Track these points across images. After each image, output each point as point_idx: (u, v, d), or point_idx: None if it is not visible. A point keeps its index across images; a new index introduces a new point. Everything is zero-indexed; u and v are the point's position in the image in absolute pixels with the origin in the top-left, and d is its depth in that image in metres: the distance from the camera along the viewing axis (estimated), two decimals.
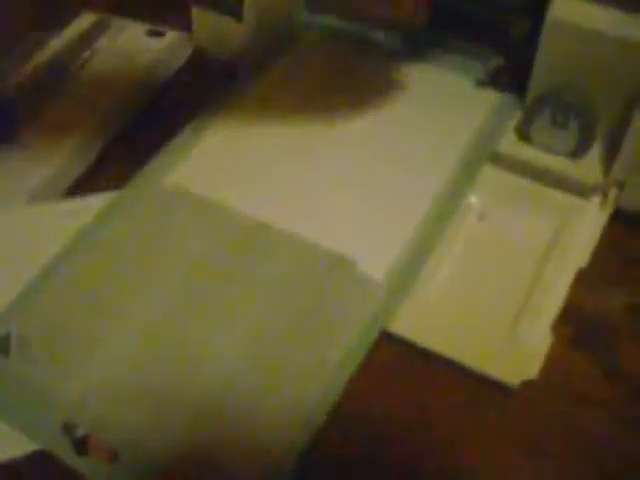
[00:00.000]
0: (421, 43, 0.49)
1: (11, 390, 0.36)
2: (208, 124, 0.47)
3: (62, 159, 0.46)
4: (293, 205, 0.42)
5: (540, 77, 0.42)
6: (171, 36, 0.53)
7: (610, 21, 0.39)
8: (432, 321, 0.38)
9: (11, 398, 0.35)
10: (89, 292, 0.39)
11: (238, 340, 0.37)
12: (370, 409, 0.36)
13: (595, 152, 0.42)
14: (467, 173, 0.43)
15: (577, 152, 0.42)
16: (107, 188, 0.45)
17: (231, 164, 0.45)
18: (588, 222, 0.41)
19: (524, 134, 0.43)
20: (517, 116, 0.44)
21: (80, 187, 0.46)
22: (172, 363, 0.36)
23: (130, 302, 0.38)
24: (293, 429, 0.34)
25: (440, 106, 0.46)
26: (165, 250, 0.41)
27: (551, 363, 0.37)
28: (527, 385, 0.36)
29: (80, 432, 0.34)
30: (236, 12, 0.47)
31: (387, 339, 0.38)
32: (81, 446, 0.34)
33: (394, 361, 0.38)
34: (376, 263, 0.39)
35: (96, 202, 0.43)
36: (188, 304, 0.38)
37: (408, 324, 0.38)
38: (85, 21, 0.55)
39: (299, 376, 0.36)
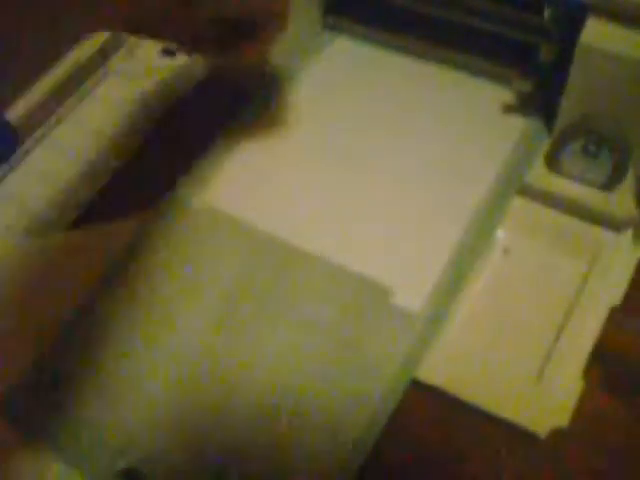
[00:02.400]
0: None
1: (67, 430, 0.36)
2: (234, 143, 0.45)
3: (70, 183, 0.45)
4: (328, 228, 0.41)
5: (571, 104, 0.40)
6: (184, 55, 0.52)
7: None
8: (458, 367, 0.36)
9: (66, 438, 0.35)
10: (128, 325, 0.38)
11: (271, 371, 0.36)
12: (396, 455, 0.35)
13: (628, 184, 0.40)
14: (496, 206, 0.41)
15: (609, 184, 0.40)
16: (121, 212, 0.43)
17: (260, 184, 0.44)
18: (621, 258, 0.39)
19: (553, 164, 0.41)
20: (546, 145, 0.42)
21: (92, 212, 0.45)
22: (211, 393, 0.36)
23: (169, 331, 0.38)
24: (333, 469, 0.33)
25: (468, 132, 0.44)
26: (200, 276, 0.40)
27: (581, 408, 0.35)
28: (556, 433, 0.35)
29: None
30: None
31: (414, 385, 0.36)
32: None
33: (421, 408, 0.36)
34: (412, 295, 0.38)
35: (125, 226, 0.42)
36: (225, 331, 0.38)
37: (435, 371, 0.36)
38: (99, 39, 0.53)
39: (337, 410, 0.35)
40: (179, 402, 0.36)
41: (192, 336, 0.38)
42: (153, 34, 0.53)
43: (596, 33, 0.37)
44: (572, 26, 0.39)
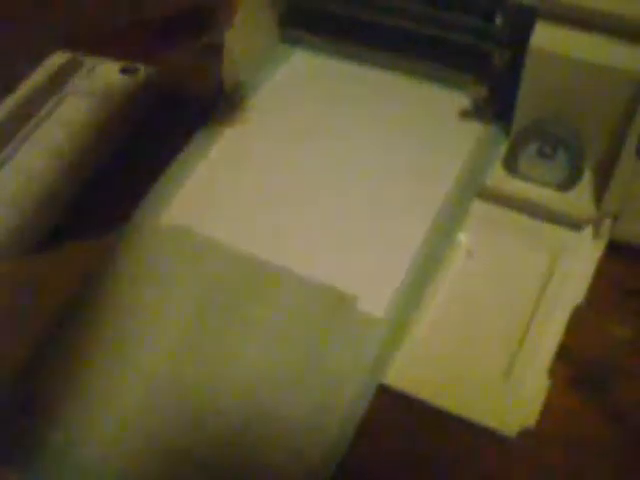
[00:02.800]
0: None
1: (36, 455, 0.35)
2: (197, 157, 0.45)
3: (34, 206, 0.44)
4: (290, 240, 0.41)
5: (525, 108, 0.40)
6: (145, 72, 0.52)
7: (594, 49, 0.37)
8: (424, 370, 0.37)
9: (37, 463, 0.35)
10: (95, 345, 0.38)
11: (240, 386, 0.36)
12: (367, 464, 0.35)
13: (585, 183, 0.41)
14: (456, 209, 0.41)
15: (566, 184, 0.40)
16: (84, 234, 0.43)
17: (224, 196, 0.44)
18: (582, 256, 0.40)
19: (511, 167, 0.41)
20: (503, 148, 0.42)
21: (55, 235, 0.45)
22: (179, 412, 0.36)
23: (137, 349, 0.38)
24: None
25: (425, 138, 0.44)
26: (165, 294, 0.40)
27: (549, 408, 0.36)
28: (525, 433, 0.35)
29: None
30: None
31: (382, 390, 0.36)
32: None
33: (388, 412, 0.36)
34: (375, 300, 0.38)
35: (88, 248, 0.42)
36: (192, 347, 0.38)
37: (401, 375, 0.36)
38: (56, 60, 0.53)
39: (304, 424, 0.35)
40: (150, 419, 0.36)
41: (160, 353, 0.37)
42: (105, 53, 0.53)
43: (545, 37, 0.38)
44: (523, 31, 0.39)
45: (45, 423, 0.36)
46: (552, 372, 0.36)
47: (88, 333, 0.39)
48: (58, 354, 0.38)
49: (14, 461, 0.35)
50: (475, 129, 0.44)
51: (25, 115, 0.49)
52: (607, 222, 0.40)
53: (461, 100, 0.45)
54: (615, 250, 0.40)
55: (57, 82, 0.52)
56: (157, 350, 0.38)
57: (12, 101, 0.49)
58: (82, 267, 0.41)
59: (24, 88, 0.51)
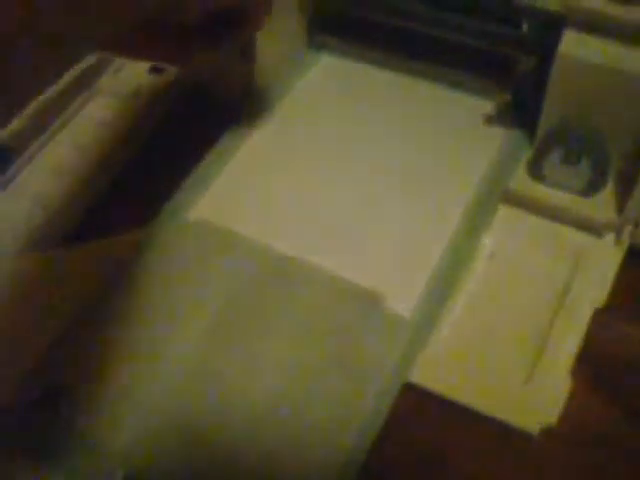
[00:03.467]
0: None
1: (61, 441, 0.36)
2: (225, 157, 0.46)
3: (61, 203, 0.45)
4: (319, 239, 0.42)
5: (550, 113, 0.41)
6: (173, 72, 0.53)
7: (620, 56, 0.38)
8: (448, 368, 0.37)
9: (61, 449, 0.36)
10: (124, 336, 0.39)
11: (268, 381, 0.37)
12: (391, 458, 0.35)
13: (609, 189, 0.41)
14: (480, 212, 0.42)
15: (590, 189, 0.41)
16: (112, 230, 0.44)
17: (252, 195, 0.44)
18: (603, 261, 0.40)
19: (535, 172, 0.42)
20: (528, 153, 0.43)
21: (83, 230, 0.45)
22: (208, 405, 0.36)
23: (165, 343, 0.38)
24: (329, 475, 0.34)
25: (451, 143, 0.45)
26: (195, 289, 0.40)
27: (570, 406, 0.36)
28: (546, 430, 0.36)
29: None
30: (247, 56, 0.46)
31: (406, 387, 0.37)
32: None
33: (413, 408, 0.37)
34: (402, 300, 0.39)
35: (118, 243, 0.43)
36: (220, 343, 0.38)
37: (425, 372, 0.37)
38: (86, 60, 0.54)
39: (330, 421, 0.35)
40: (176, 413, 0.36)
41: (190, 349, 0.38)
42: (135, 53, 0.54)
43: (574, 44, 0.39)
44: (550, 38, 0.40)
45: (68, 414, 0.37)
46: (574, 372, 0.37)
47: (116, 327, 0.39)
48: (83, 349, 0.39)
49: (38, 451, 0.36)
50: (499, 134, 0.45)
51: (54, 113, 0.50)
52: (629, 228, 0.40)
53: (486, 106, 0.46)
54: (637, 256, 0.41)
55: (86, 82, 0.52)
56: (186, 346, 0.38)
57: (42, 99, 0.50)
58: (109, 263, 0.42)
59: (54, 87, 0.51)
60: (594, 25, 0.38)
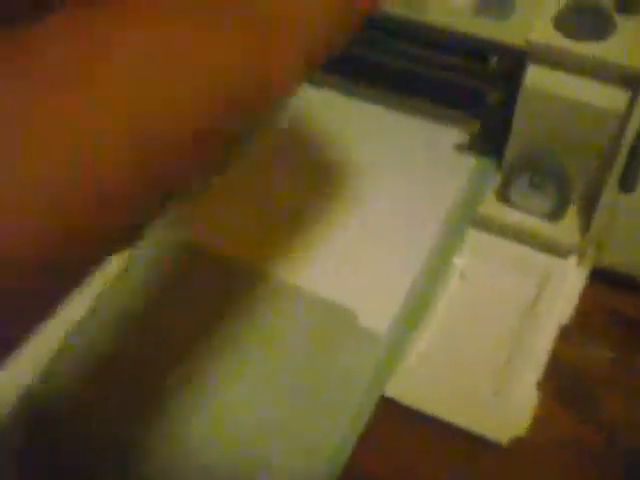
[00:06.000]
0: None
1: None
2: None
3: None
4: (288, 254, 0.44)
5: (516, 142, 0.44)
6: None
7: (581, 89, 0.40)
8: (420, 382, 0.39)
9: None
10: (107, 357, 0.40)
11: (250, 399, 0.38)
12: (364, 473, 0.37)
13: (572, 214, 0.44)
14: (452, 236, 0.44)
15: (555, 213, 0.44)
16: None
17: (233, 214, 0.46)
18: (568, 281, 0.43)
19: (503, 197, 0.44)
20: (497, 179, 0.45)
21: None
22: (193, 425, 0.38)
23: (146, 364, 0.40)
24: None
25: (425, 171, 0.47)
26: (175, 308, 0.42)
27: (538, 418, 0.38)
28: (516, 442, 0.37)
29: None
30: None
31: (381, 402, 0.39)
32: None
33: (388, 423, 0.38)
34: (377, 317, 0.41)
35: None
36: (199, 361, 0.40)
37: (401, 388, 0.39)
38: None
39: (310, 436, 0.37)
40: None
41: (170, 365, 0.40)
42: None
43: (537, 77, 0.41)
44: (514, 72, 0.43)
45: None
46: (541, 386, 0.39)
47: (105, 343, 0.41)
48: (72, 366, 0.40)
49: None
50: (470, 162, 0.47)
51: None
52: (592, 249, 0.43)
53: (457, 135, 0.48)
54: (600, 275, 0.43)
55: None
56: (168, 361, 0.40)
57: None
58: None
59: None
60: (554, 59, 0.40)
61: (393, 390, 0.39)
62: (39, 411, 0.39)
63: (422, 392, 0.39)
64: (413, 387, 0.39)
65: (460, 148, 0.48)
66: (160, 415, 0.38)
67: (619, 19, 0.40)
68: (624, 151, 0.39)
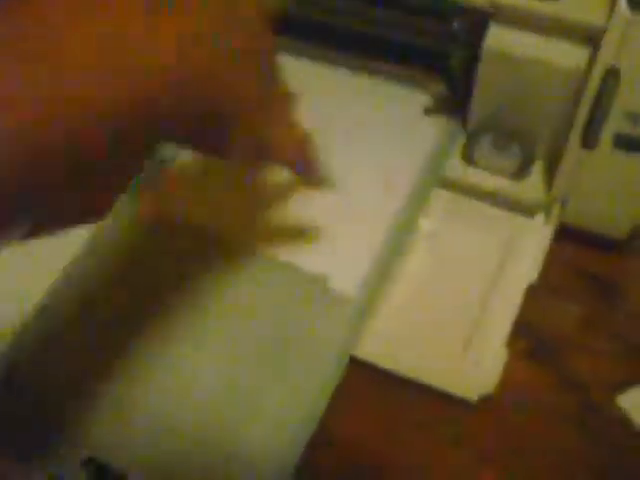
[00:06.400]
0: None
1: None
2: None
3: None
4: (263, 225, 0.44)
5: (480, 103, 0.44)
6: None
7: (541, 48, 0.41)
8: (390, 343, 0.40)
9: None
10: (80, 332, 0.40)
11: (216, 367, 0.39)
12: (336, 434, 0.38)
13: (536, 172, 0.44)
14: (419, 197, 0.44)
15: (519, 173, 0.44)
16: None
17: (202, 186, 0.46)
18: (534, 239, 0.43)
19: (468, 158, 0.45)
20: (462, 140, 0.46)
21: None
22: (161, 389, 0.38)
23: (114, 331, 0.40)
24: (275, 457, 0.36)
25: (390, 133, 0.47)
26: (141, 275, 0.42)
27: (507, 377, 0.39)
28: (486, 399, 0.38)
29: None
30: None
31: (351, 362, 0.39)
32: None
33: (359, 383, 0.39)
34: (347, 280, 0.41)
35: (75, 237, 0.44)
36: (167, 329, 0.40)
37: (370, 348, 0.39)
38: None
39: (279, 402, 0.37)
40: (135, 398, 0.38)
41: (137, 335, 0.40)
42: None
43: (498, 38, 0.41)
44: (478, 33, 0.43)
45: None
46: (510, 345, 0.40)
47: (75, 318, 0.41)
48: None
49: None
50: (436, 124, 0.47)
51: None
52: (557, 207, 0.43)
53: (423, 98, 0.48)
54: (566, 233, 0.44)
55: None
56: (135, 329, 0.40)
57: None
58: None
59: None
60: (516, 20, 0.41)
61: (362, 351, 0.39)
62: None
63: (391, 352, 0.39)
64: (382, 348, 0.39)
65: (425, 110, 0.48)
66: (129, 380, 0.38)
67: None
68: (585, 108, 0.39)
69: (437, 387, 0.38)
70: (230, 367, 0.38)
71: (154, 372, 0.38)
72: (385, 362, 0.39)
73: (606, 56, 0.38)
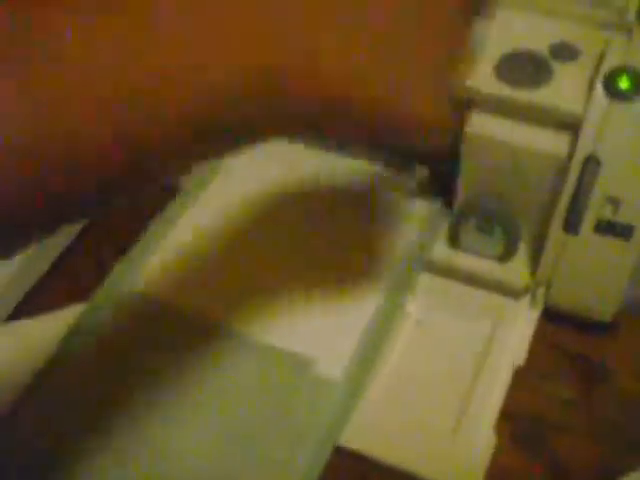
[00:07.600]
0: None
1: None
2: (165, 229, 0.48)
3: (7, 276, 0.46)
4: (246, 305, 0.44)
5: (464, 187, 0.44)
6: None
7: (521, 134, 0.41)
8: (377, 431, 0.39)
9: None
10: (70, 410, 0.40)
11: (202, 448, 0.38)
12: None
13: (521, 255, 0.44)
14: (405, 281, 0.45)
15: (504, 256, 0.44)
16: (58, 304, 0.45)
17: (189, 266, 0.46)
18: (520, 321, 0.43)
19: (454, 241, 0.45)
20: (447, 223, 0.46)
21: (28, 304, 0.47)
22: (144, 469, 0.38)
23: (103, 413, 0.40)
24: None
25: (375, 216, 0.48)
26: (131, 360, 0.42)
27: (493, 462, 0.38)
28: None
29: None
30: None
31: (336, 451, 0.39)
32: None
33: (344, 472, 0.38)
34: (332, 364, 0.41)
35: (60, 318, 0.44)
36: (156, 410, 0.39)
37: (356, 436, 0.39)
38: None
39: None
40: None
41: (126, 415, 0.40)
42: None
43: (478, 124, 0.42)
44: (460, 118, 0.43)
45: None
46: (497, 430, 0.39)
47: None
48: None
49: None
50: (420, 206, 0.48)
51: None
52: (542, 290, 0.43)
53: (407, 181, 0.49)
54: (552, 316, 0.44)
55: None
56: (125, 410, 0.40)
57: None
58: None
59: None
60: (494, 106, 0.41)
61: (348, 439, 0.39)
62: None
63: (378, 441, 0.39)
64: (369, 435, 0.39)
65: (409, 193, 0.48)
66: (115, 460, 0.38)
67: (555, 65, 0.41)
68: (567, 194, 0.40)
69: (424, 477, 0.37)
70: (211, 450, 0.38)
71: (137, 453, 0.38)
72: (371, 450, 0.38)
73: (585, 143, 0.39)
